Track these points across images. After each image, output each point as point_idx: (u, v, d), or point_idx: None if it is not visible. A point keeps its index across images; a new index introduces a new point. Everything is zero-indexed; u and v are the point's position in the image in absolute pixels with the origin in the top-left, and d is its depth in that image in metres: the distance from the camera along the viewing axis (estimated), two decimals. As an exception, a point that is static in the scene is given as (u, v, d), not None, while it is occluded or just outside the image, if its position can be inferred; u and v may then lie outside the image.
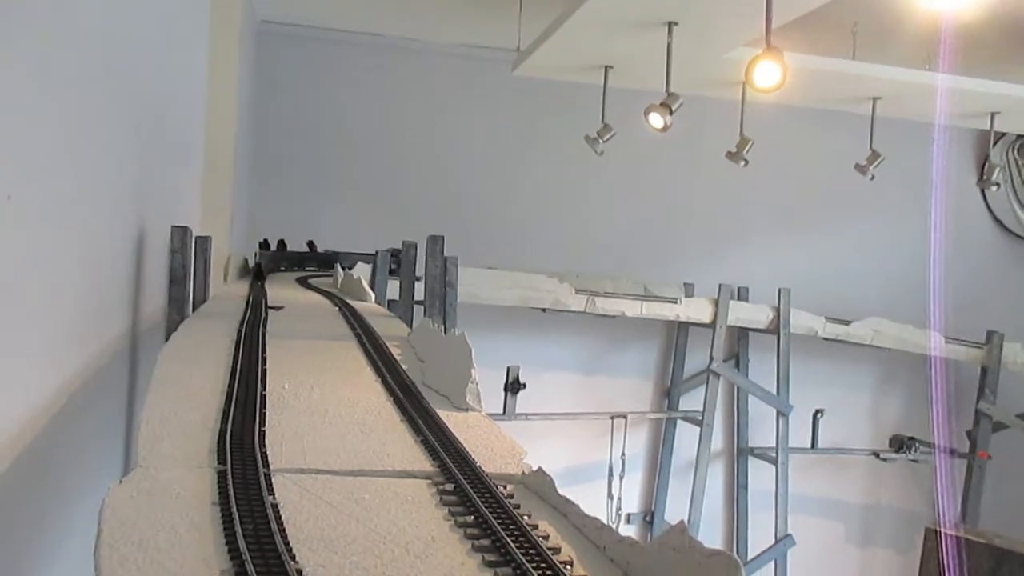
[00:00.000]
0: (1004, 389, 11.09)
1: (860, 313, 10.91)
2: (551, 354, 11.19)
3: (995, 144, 11.66)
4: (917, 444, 11.82)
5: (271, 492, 1.89)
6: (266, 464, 2.09)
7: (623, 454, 10.78)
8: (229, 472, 1.98)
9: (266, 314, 4.38)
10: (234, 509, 1.77)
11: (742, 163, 9.09)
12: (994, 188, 11.38)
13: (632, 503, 11.68)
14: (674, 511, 11.16)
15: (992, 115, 10.07)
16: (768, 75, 6.35)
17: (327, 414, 2.67)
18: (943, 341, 10.80)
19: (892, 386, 12.63)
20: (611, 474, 10.74)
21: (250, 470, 2.02)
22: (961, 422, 11.32)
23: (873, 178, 9.66)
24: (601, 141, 9.06)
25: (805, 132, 11.80)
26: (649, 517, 11.76)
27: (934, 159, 11.53)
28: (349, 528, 1.82)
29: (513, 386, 9.45)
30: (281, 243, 9.70)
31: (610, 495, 10.71)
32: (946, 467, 10.20)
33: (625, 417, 10.83)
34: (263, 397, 2.70)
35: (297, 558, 1.61)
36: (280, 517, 1.78)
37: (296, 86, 11.02)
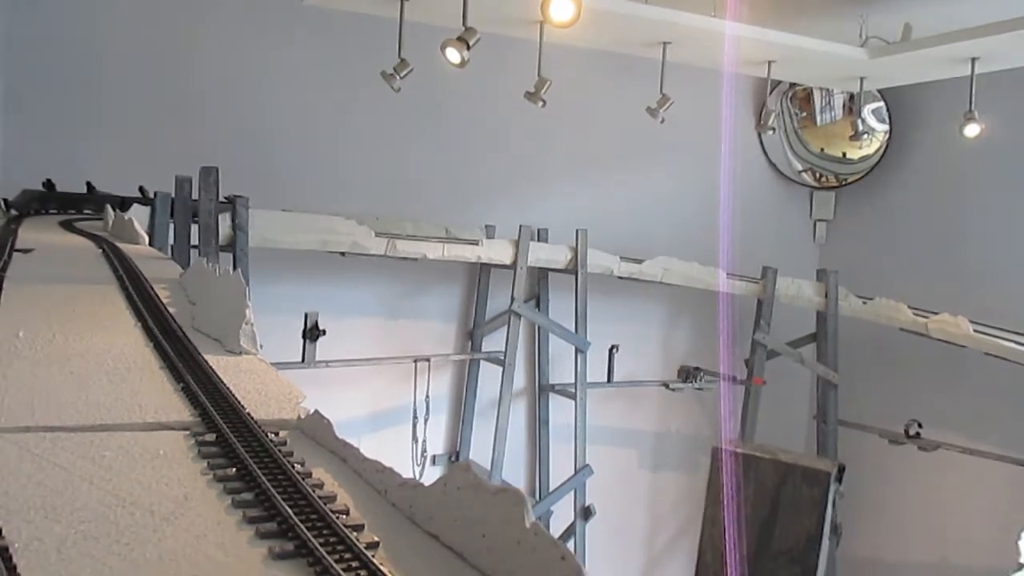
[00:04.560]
0: (777, 320, 12.02)
1: (651, 252, 11.37)
2: (352, 299, 10.87)
3: (771, 92, 12.43)
4: (702, 373, 12.68)
5: (-21, 457, 1.58)
6: (-21, 424, 1.75)
7: (427, 397, 10.74)
8: (-74, 436, 1.64)
9: (9, 257, 3.83)
10: (-76, 480, 1.45)
11: (540, 103, 9.10)
12: (770, 132, 12.19)
13: (438, 445, 11.72)
14: (479, 450, 11.31)
15: (769, 64, 10.69)
16: (562, 9, 6.32)
17: (69, 364, 2.32)
18: (725, 277, 11.52)
19: (680, 321, 13.39)
20: (415, 417, 10.69)
21: (-44, 432, 1.68)
22: (740, 351, 12.21)
23: (663, 121, 10.00)
24: (398, 77, 8.74)
25: (602, 76, 12.02)
26: (454, 457, 11.86)
27: (719, 105, 12.18)
28: (80, 492, 1.55)
29: (312, 333, 9.09)
30: (89, 186, 8.58)
31: (415, 438, 10.67)
32: (728, 393, 10.97)
33: (428, 360, 10.77)
34: (-12, 348, 2.31)
35: (4, 533, 1.33)
36: (-12, 486, 1.48)
37: (60, 4, 9.75)
